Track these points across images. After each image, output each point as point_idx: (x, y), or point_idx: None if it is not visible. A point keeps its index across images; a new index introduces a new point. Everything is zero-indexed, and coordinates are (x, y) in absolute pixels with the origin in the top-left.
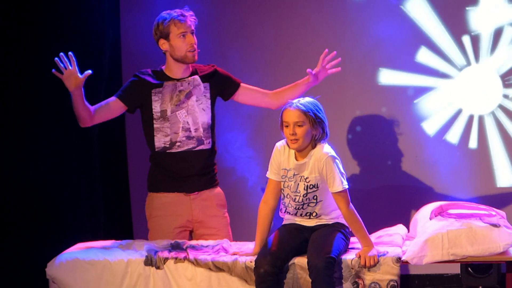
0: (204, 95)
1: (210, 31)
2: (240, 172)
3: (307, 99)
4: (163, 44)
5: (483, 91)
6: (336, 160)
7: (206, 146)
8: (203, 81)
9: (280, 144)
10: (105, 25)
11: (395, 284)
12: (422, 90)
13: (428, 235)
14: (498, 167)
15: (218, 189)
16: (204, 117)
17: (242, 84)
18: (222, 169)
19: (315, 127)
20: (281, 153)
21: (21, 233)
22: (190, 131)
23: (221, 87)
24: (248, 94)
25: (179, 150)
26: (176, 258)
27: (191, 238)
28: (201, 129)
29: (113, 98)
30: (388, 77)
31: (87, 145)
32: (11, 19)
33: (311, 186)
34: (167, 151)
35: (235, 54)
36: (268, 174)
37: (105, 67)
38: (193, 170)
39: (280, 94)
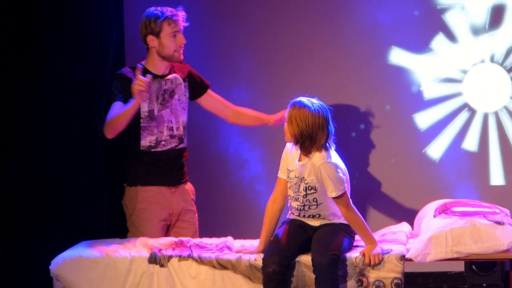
0: (184, 94)
1: (202, 22)
2: (245, 171)
3: (315, 101)
4: (152, 41)
5: (492, 90)
6: (332, 165)
7: (184, 144)
8: (184, 80)
9: (289, 143)
10: (109, 23)
11: (399, 282)
12: (426, 86)
13: (432, 233)
14: (501, 166)
15: (189, 184)
16: (184, 116)
17: (209, 89)
18: (227, 168)
19: (295, 133)
20: (289, 153)
21: (25, 231)
22: (173, 130)
23: (194, 86)
24: (211, 100)
25: (164, 149)
26: (180, 256)
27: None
28: (181, 128)
29: (120, 103)
30: (395, 62)
31: (91, 143)
32: (15, 19)
33: (310, 188)
34: (152, 150)
35: (232, 48)
36: (279, 173)
37: (108, 65)
38: (175, 167)
39: (239, 114)
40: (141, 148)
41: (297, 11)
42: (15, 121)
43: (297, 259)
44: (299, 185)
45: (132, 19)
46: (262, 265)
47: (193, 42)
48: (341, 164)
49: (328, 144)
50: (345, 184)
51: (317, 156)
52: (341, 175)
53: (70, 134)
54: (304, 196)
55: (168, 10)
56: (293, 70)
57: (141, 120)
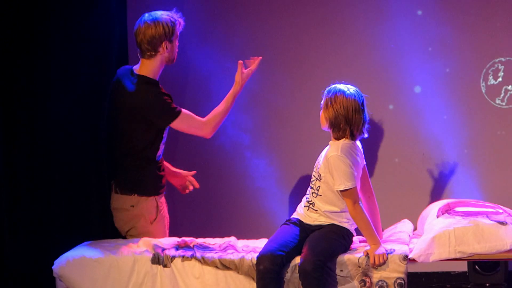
0: None
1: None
2: (249, 171)
3: (350, 87)
4: (167, 46)
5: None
6: (342, 159)
7: None
8: None
9: None
10: (112, 23)
11: (402, 282)
12: (429, 86)
13: (435, 233)
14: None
15: None
16: None
17: None
18: (230, 168)
19: (330, 117)
20: None
21: (29, 231)
22: None
23: None
24: None
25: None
26: (183, 257)
27: None
28: None
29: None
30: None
31: (95, 145)
32: (20, 18)
33: (318, 174)
34: (159, 159)
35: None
36: None
37: (112, 65)
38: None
39: None
40: (156, 158)
41: (299, 16)
42: (21, 124)
43: (297, 262)
44: (318, 167)
45: (135, 19)
46: (255, 262)
47: (201, 43)
48: (359, 159)
49: (359, 132)
50: (355, 180)
51: (331, 147)
52: (352, 170)
53: (75, 136)
54: (313, 180)
55: (173, 14)
56: (295, 71)
57: (163, 132)
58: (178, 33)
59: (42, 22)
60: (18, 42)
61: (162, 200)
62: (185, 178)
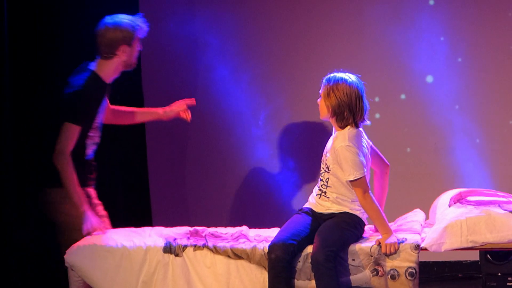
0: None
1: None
2: (260, 160)
3: (350, 75)
4: (124, 50)
5: None
6: (351, 149)
7: None
8: None
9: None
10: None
11: (414, 271)
12: (441, 75)
13: (447, 222)
14: None
15: None
16: None
17: None
18: (242, 157)
19: (333, 105)
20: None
21: (41, 221)
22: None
23: None
24: None
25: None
26: (195, 246)
27: None
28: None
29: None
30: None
31: (107, 134)
32: (29, 17)
33: (326, 166)
34: (90, 158)
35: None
36: None
37: None
38: None
39: (119, 112)
40: (85, 158)
41: (309, 5)
42: (30, 118)
43: (309, 251)
44: (326, 158)
45: (146, 16)
46: (267, 251)
47: (208, 38)
48: (366, 148)
49: (361, 119)
50: (365, 169)
51: (339, 138)
52: (361, 158)
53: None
54: (322, 173)
55: (136, 18)
56: (305, 59)
57: (91, 131)
58: (138, 38)
59: (50, 21)
60: (26, 41)
61: (90, 190)
62: (182, 105)
